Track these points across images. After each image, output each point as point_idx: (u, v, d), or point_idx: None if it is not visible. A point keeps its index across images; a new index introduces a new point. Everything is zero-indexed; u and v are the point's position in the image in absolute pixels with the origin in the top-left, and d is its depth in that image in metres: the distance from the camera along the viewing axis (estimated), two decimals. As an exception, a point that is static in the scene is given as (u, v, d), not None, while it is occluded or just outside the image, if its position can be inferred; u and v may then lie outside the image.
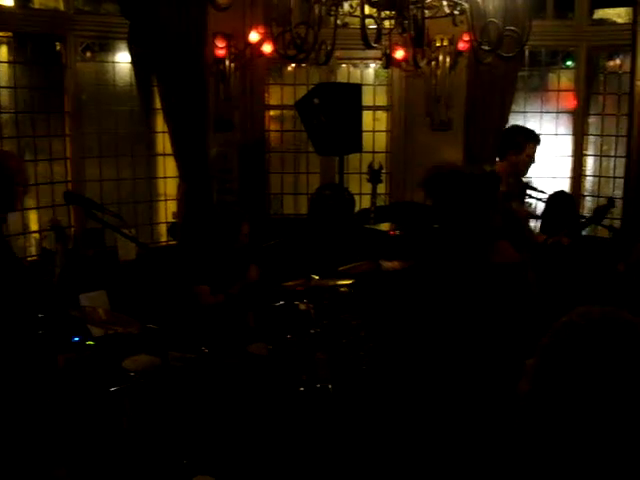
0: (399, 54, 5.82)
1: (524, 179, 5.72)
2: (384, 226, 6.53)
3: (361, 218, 6.67)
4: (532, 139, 5.56)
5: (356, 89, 6.43)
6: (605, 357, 1.35)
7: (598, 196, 7.27)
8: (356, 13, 4.09)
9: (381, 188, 7.17)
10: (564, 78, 7.49)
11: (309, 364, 4.09)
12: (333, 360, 4.13)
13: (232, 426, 3.79)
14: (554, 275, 5.47)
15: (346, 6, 4.20)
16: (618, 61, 7.37)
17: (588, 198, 7.42)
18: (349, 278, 4.35)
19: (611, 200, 5.73)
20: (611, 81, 7.30)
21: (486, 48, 3.74)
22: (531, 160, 5.54)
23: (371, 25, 3.88)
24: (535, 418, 1.41)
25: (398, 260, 4.73)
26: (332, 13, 3.96)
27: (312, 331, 4.13)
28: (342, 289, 4.43)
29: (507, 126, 6.63)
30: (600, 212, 5.55)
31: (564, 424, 1.36)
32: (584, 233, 6.30)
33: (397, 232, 6.01)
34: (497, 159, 5.91)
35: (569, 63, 7.45)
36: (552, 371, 1.40)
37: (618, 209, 6.66)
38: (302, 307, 4.42)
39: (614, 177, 7.21)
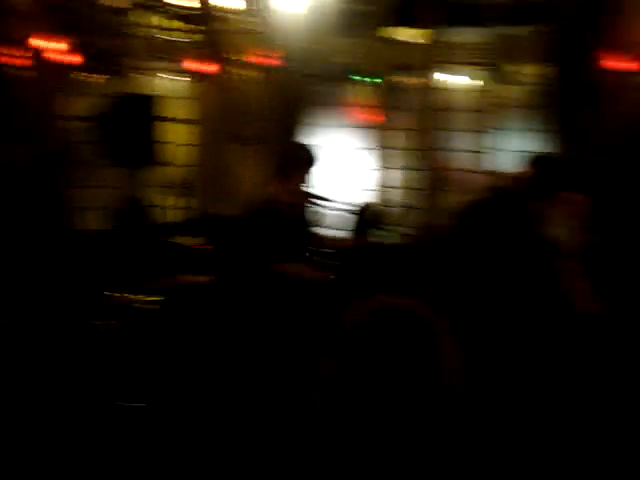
0: (205, 67, 5.81)
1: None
2: (190, 240, 6.45)
3: (165, 232, 6.55)
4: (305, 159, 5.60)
5: (154, 101, 6.31)
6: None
7: (401, 207, 7.61)
8: (163, 25, 4.04)
9: (189, 201, 7.10)
10: (365, 93, 7.77)
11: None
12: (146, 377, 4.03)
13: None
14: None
15: (151, 18, 4.12)
16: (413, 78, 7.75)
17: (393, 209, 7.72)
18: (155, 294, 4.26)
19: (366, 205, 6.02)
20: (407, 97, 7.66)
21: (288, 65, 3.81)
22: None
23: (174, 38, 3.85)
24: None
25: (203, 275, 4.69)
26: (137, 24, 3.87)
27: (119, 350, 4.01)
28: (147, 305, 4.33)
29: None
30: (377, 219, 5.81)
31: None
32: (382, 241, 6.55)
33: (203, 246, 5.96)
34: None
35: (370, 79, 7.73)
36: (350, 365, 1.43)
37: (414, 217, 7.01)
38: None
39: (411, 189, 7.57)
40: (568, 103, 6.28)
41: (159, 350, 4.11)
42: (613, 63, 6.09)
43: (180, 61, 4.22)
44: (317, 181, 5.90)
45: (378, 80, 7.51)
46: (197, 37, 3.94)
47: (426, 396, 1.40)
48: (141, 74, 7.30)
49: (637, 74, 6.13)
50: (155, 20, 4.01)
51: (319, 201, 5.67)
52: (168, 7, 3.72)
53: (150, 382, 4.06)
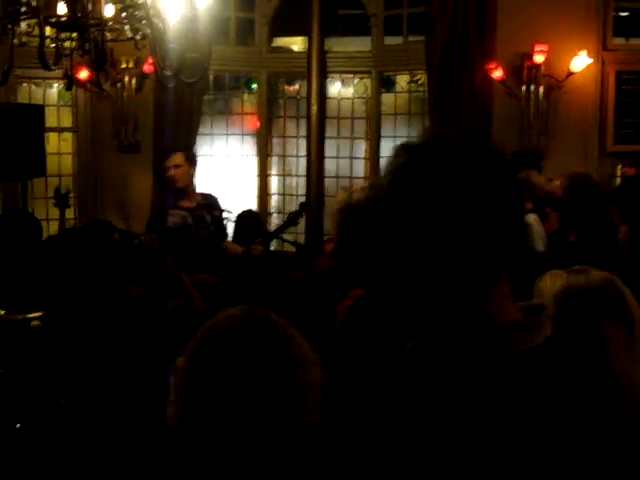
0: (83, 74, 5.69)
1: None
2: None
3: (50, 245, 6.38)
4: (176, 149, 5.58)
5: (38, 110, 6.15)
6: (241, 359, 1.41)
7: (283, 212, 7.68)
8: (34, 33, 3.93)
9: (69, 213, 6.94)
10: (247, 102, 7.83)
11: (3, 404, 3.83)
12: (27, 397, 3.90)
13: None
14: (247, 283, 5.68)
15: (23, 25, 4.01)
16: (296, 86, 7.87)
17: (274, 215, 7.80)
18: (39, 310, 4.15)
19: (304, 204, 6.09)
20: (290, 105, 7.77)
21: (168, 73, 3.79)
22: (170, 171, 5.42)
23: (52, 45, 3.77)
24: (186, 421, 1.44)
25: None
26: (8, 32, 3.76)
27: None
28: (33, 322, 4.21)
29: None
30: (295, 216, 5.87)
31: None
32: (272, 248, 6.60)
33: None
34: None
35: (252, 87, 7.80)
36: (202, 371, 1.43)
37: (301, 226, 7.08)
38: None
39: (297, 195, 7.67)
40: (447, 111, 6.50)
41: (41, 368, 4.01)
42: (491, 72, 6.35)
43: (61, 69, 4.11)
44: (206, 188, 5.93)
45: (264, 88, 7.56)
46: (78, 45, 3.85)
47: (282, 411, 1.41)
48: (27, 83, 7.14)
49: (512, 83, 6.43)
50: (31, 27, 3.89)
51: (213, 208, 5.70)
52: (44, 15, 3.63)
53: (33, 401, 3.96)
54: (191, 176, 5.44)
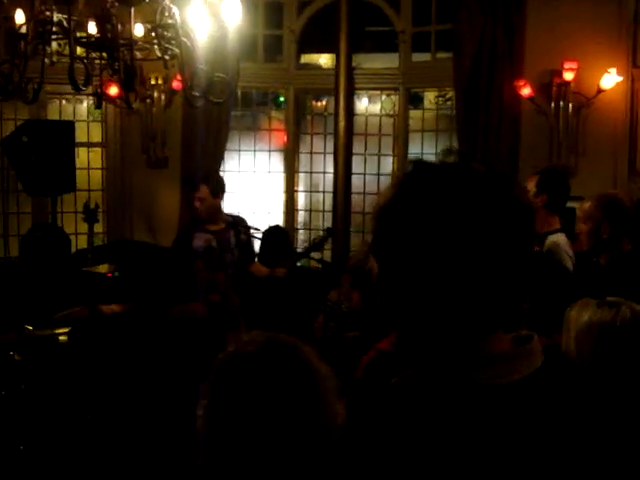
0: (112, 91, 5.75)
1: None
2: (102, 268, 6.36)
3: (78, 260, 6.44)
4: (206, 180, 5.62)
5: (68, 126, 6.25)
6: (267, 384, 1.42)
7: (310, 229, 7.69)
8: (65, 52, 3.98)
9: (98, 227, 6.99)
10: (275, 118, 7.86)
11: (29, 419, 3.86)
12: (54, 413, 3.93)
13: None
14: (272, 305, 5.68)
15: (54, 44, 4.06)
16: (324, 103, 7.90)
17: (301, 231, 7.81)
18: (66, 326, 4.18)
19: (329, 230, 6.10)
20: (318, 121, 7.78)
21: (197, 93, 3.82)
22: (201, 202, 5.47)
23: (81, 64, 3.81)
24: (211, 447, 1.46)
25: (117, 303, 4.63)
26: (39, 52, 3.81)
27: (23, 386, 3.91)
28: (61, 338, 4.24)
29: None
30: (319, 242, 5.88)
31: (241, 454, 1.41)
32: (298, 264, 6.60)
33: (115, 274, 5.88)
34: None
35: (280, 104, 7.83)
36: (224, 404, 1.44)
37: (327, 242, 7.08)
38: (17, 358, 4.17)
39: (323, 211, 7.67)
40: (475, 128, 6.48)
41: (68, 383, 4.04)
42: (519, 90, 6.33)
43: (94, 88, 4.16)
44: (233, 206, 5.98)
45: (292, 105, 7.59)
46: (107, 65, 3.90)
47: (304, 435, 1.42)
48: (57, 98, 7.24)
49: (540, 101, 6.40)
50: (61, 47, 3.95)
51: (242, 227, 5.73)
52: (74, 36, 3.68)
53: (59, 416, 3.98)
54: (216, 206, 5.48)
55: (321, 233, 6.31)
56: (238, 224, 5.60)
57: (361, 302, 4.69)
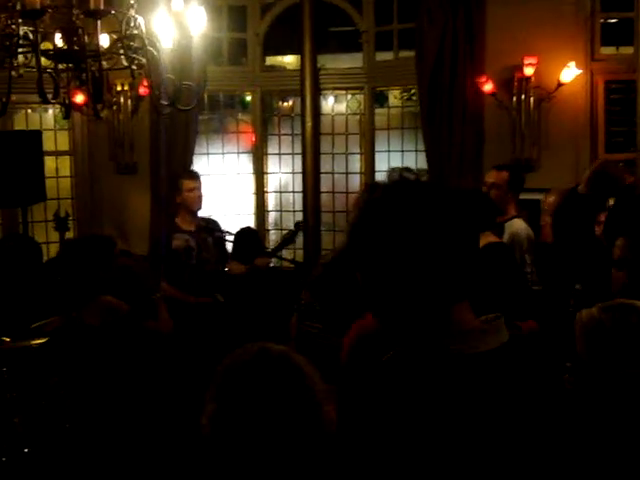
0: (79, 98, 5.75)
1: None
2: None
3: (50, 268, 6.44)
4: (183, 176, 5.80)
5: (35, 136, 6.24)
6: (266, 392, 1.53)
7: (281, 229, 7.75)
8: (32, 64, 4.00)
9: (69, 235, 7.00)
10: (242, 120, 7.91)
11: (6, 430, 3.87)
12: (32, 422, 3.95)
13: None
14: (249, 303, 5.76)
15: (20, 57, 4.08)
16: (290, 104, 7.96)
17: (272, 232, 7.87)
18: (43, 336, 4.20)
19: (298, 224, 6.20)
20: (285, 122, 7.84)
21: (164, 102, 3.87)
22: (194, 193, 5.67)
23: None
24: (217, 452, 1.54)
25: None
26: (6, 65, 3.84)
27: (8, 395, 3.92)
28: (36, 348, 4.25)
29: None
30: (291, 236, 5.99)
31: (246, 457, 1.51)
32: (271, 265, 6.65)
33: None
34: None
35: (246, 106, 7.88)
36: (230, 406, 1.54)
37: (299, 242, 7.15)
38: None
39: (294, 211, 7.74)
40: (440, 124, 6.58)
41: (46, 392, 4.06)
42: (481, 86, 6.44)
43: (61, 99, 4.19)
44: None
45: (258, 107, 7.64)
46: (75, 76, 3.93)
47: (301, 441, 1.52)
48: (23, 108, 7.21)
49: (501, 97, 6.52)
50: (28, 59, 3.97)
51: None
52: (40, 48, 3.71)
53: (38, 426, 4.01)
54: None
55: (293, 228, 6.41)
56: (213, 227, 5.71)
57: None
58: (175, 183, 5.80)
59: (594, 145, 6.58)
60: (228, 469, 1.51)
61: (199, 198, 5.63)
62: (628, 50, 6.34)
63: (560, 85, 6.36)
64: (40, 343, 4.14)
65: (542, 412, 1.44)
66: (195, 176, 5.74)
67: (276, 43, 7.76)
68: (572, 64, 6.32)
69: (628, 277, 2.88)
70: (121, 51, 3.93)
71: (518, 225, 4.83)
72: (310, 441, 1.51)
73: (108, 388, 4.03)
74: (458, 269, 1.45)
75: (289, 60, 8.29)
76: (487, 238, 3.68)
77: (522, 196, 5.28)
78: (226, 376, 1.56)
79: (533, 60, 6.31)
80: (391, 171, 1.57)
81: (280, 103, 8.02)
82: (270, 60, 7.99)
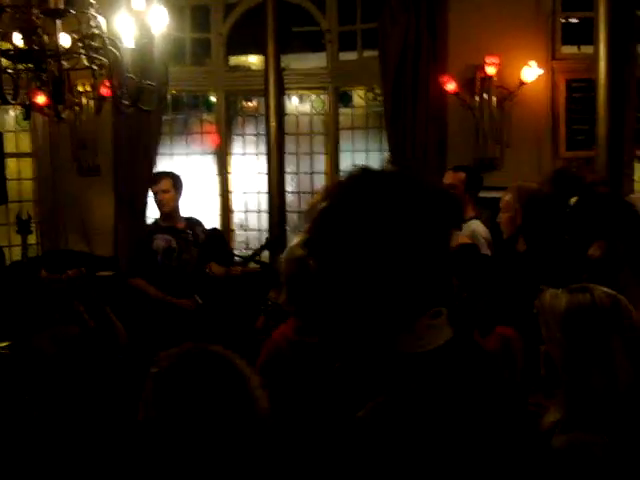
0: (40, 99, 5.68)
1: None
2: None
3: (14, 271, 6.36)
4: (164, 174, 5.73)
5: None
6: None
7: (246, 230, 7.73)
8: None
9: (32, 238, 6.90)
10: (206, 121, 7.87)
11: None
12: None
13: None
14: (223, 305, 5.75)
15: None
16: (254, 104, 7.94)
17: (238, 232, 7.85)
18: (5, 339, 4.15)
19: (267, 241, 6.24)
20: (249, 123, 7.83)
21: (126, 102, 3.84)
22: (159, 196, 5.59)
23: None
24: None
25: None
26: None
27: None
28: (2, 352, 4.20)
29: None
30: (258, 251, 6.00)
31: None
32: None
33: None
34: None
35: (210, 106, 7.85)
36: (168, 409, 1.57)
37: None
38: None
39: (259, 211, 7.72)
40: (404, 124, 6.61)
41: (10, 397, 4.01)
42: (444, 85, 6.48)
43: (21, 100, 4.14)
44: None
45: (222, 107, 7.62)
46: (35, 77, 3.89)
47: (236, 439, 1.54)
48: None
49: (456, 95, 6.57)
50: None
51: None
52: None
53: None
54: (177, 201, 5.58)
55: (264, 241, 6.43)
56: (195, 227, 5.68)
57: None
58: (139, 184, 5.77)
59: (555, 143, 6.65)
60: (168, 460, 1.54)
61: (165, 200, 5.55)
62: (589, 49, 6.42)
63: (522, 84, 6.43)
64: (3, 346, 4.11)
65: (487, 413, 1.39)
66: (157, 179, 5.65)
67: (240, 43, 7.75)
68: (533, 63, 6.39)
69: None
70: (82, 51, 3.90)
71: (476, 226, 4.90)
72: (245, 429, 1.55)
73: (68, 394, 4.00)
74: (429, 267, 1.35)
75: (253, 60, 8.28)
76: (459, 239, 3.69)
77: (485, 194, 5.34)
78: (161, 376, 1.58)
79: (495, 60, 6.37)
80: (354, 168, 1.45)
81: (244, 103, 8.00)
82: (234, 60, 7.97)
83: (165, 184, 5.54)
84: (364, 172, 1.43)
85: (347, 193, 1.39)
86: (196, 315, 5.37)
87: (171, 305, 5.35)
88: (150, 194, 5.84)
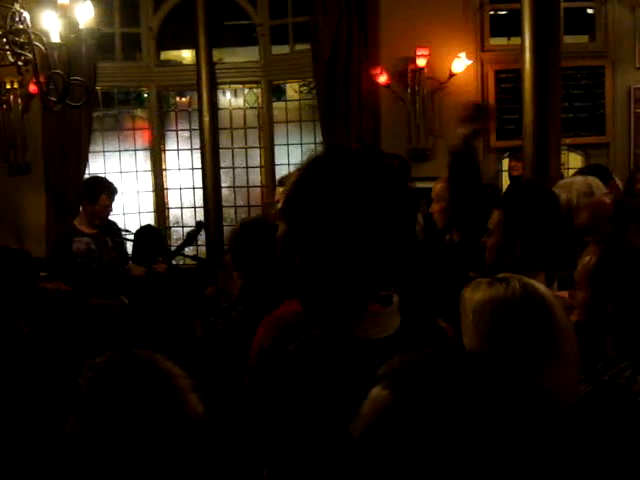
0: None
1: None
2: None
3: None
4: (106, 190, 5.55)
5: None
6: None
7: (182, 226, 7.67)
8: None
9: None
10: (138, 117, 7.78)
11: None
12: None
13: None
14: (151, 304, 5.67)
15: None
16: (187, 99, 7.87)
17: (174, 229, 7.78)
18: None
19: (199, 223, 6.16)
20: (182, 118, 7.76)
21: (53, 98, 3.77)
22: (106, 210, 5.48)
23: None
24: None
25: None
26: None
27: None
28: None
29: (88, 176, 6.66)
30: (192, 235, 5.93)
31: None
32: (173, 263, 6.58)
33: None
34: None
35: (142, 101, 7.76)
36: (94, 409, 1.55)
37: (202, 238, 7.09)
38: None
39: (195, 207, 7.67)
40: (337, 116, 6.65)
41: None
42: (376, 77, 6.54)
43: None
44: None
45: (154, 102, 7.53)
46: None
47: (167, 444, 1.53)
48: None
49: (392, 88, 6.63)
50: None
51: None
52: None
53: None
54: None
55: (194, 226, 6.35)
56: (111, 229, 5.58)
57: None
58: (70, 182, 5.63)
59: (486, 133, 6.76)
60: (98, 466, 1.53)
61: (106, 214, 5.44)
62: (518, 41, 6.53)
63: (452, 75, 6.53)
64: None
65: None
66: (115, 193, 5.49)
67: (171, 37, 7.67)
68: (463, 55, 6.50)
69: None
70: (7, 47, 3.81)
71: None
72: (178, 433, 1.54)
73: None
74: (392, 241, 1.41)
75: (186, 55, 8.21)
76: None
77: (418, 185, 5.40)
78: (87, 388, 1.57)
79: (425, 51, 6.45)
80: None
81: (177, 98, 7.93)
82: (165, 55, 7.90)
83: (104, 200, 5.37)
84: (333, 147, 1.51)
85: (317, 165, 1.46)
86: (123, 316, 5.30)
87: (97, 306, 5.26)
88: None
